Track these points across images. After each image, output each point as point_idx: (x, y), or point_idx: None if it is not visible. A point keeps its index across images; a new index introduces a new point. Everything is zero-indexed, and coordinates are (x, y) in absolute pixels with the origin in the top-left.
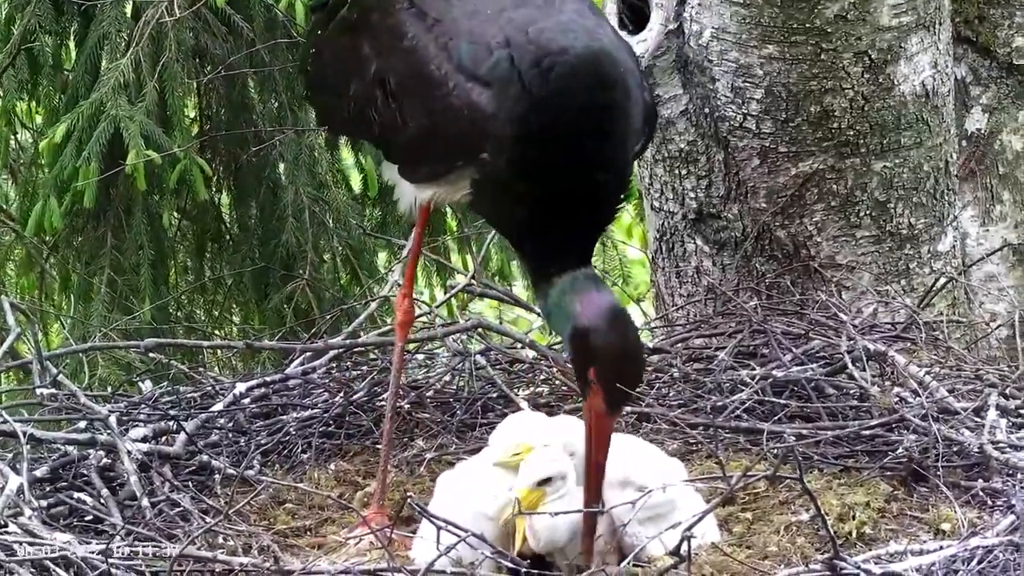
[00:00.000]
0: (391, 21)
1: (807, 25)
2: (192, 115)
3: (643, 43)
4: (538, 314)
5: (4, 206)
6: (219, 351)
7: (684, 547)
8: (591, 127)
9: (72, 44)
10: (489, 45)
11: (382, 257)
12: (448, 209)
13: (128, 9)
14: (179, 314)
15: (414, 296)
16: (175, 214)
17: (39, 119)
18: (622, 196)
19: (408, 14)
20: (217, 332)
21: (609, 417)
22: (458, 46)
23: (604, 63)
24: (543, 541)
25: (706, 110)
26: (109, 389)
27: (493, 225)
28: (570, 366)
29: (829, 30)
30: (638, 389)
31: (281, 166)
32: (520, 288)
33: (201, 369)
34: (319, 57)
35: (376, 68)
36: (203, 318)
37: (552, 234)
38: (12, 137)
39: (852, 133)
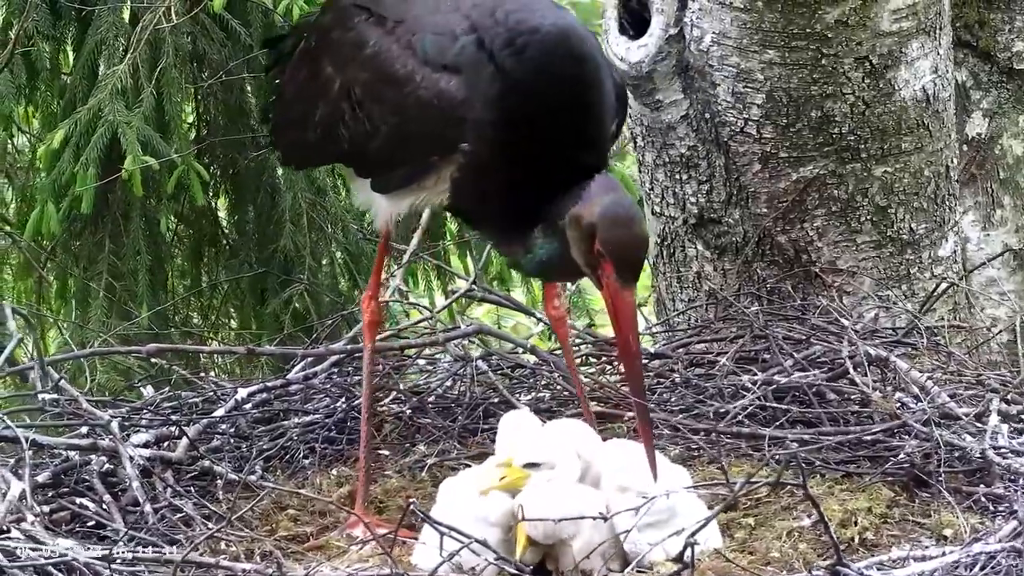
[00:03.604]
0: (351, 35)
1: (807, 30)
2: (190, 120)
3: (644, 48)
4: (538, 318)
5: (1, 211)
6: (219, 357)
7: (687, 554)
8: (569, 103)
9: (70, 49)
10: (453, 33)
11: None
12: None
13: (126, 15)
14: (176, 319)
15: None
16: (172, 219)
17: (36, 123)
18: (601, 166)
19: (367, 24)
20: (213, 337)
21: (625, 290)
22: (422, 40)
23: (574, 39)
24: (542, 529)
25: (707, 115)
26: (109, 394)
27: (471, 220)
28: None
29: (829, 35)
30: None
31: (279, 171)
32: (520, 293)
33: (203, 374)
34: (281, 99)
35: (340, 83)
36: (200, 323)
37: (535, 212)
38: (9, 141)
39: (853, 138)
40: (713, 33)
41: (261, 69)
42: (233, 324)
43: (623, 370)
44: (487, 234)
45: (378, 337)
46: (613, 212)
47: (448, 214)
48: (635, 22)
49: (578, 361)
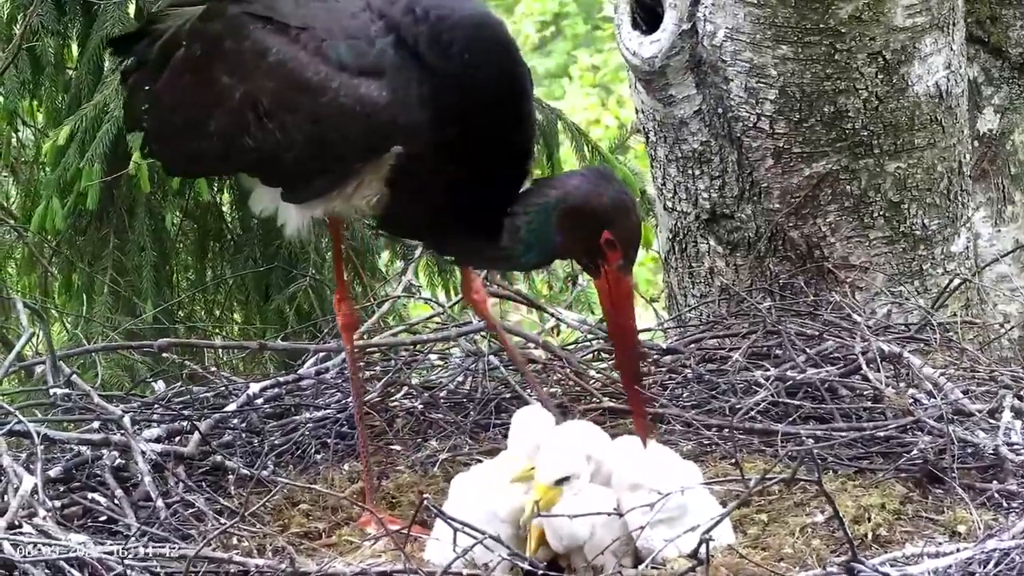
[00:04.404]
0: (248, 44)
1: (821, 25)
2: None
3: (657, 43)
4: (550, 314)
5: (5, 204)
6: (224, 351)
7: (702, 550)
8: (501, 91)
9: (75, 44)
10: (368, 35)
11: (384, 257)
12: None
13: (131, 9)
14: (180, 314)
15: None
16: (177, 214)
17: (41, 118)
18: (534, 149)
19: (265, 32)
20: (218, 333)
21: (628, 276)
22: (334, 46)
23: (495, 26)
24: (565, 541)
25: (720, 110)
26: (123, 389)
27: (414, 227)
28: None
29: (843, 30)
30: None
31: None
32: (523, 288)
33: (214, 369)
34: (158, 105)
35: (243, 93)
36: (204, 318)
37: (488, 200)
38: (14, 136)
39: (866, 134)
40: (726, 28)
41: None
42: (237, 319)
43: (620, 355)
44: (433, 238)
45: (388, 332)
46: (622, 202)
47: None
48: (648, 17)
49: (589, 356)
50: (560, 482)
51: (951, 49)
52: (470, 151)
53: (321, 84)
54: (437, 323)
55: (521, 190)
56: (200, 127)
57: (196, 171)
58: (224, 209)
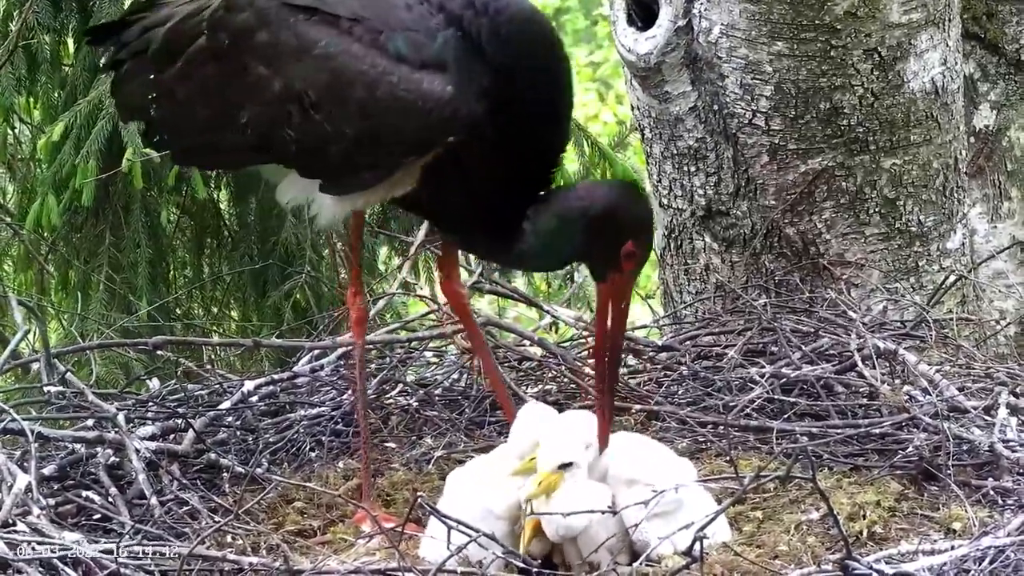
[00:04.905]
0: (287, 35)
1: (816, 22)
2: None
3: (652, 40)
4: (546, 310)
5: (1, 201)
6: (220, 349)
7: (696, 547)
8: (550, 84)
9: (70, 40)
10: (429, 28)
11: (382, 254)
12: None
13: (127, 5)
14: (177, 311)
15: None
16: (174, 211)
17: (37, 114)
18: (565, 148)
19: (309, 24)
20: (215, 329)
21: (632, 285)
22: (391, 39)
23: (542, 19)
24: (561, 530)
25: (715, 107)
26: (118, 387)
27: (439, 215)
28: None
29: (839, 27)
30: None
31: None
32: (521, 285)
33: (209, 367)
34: (170, 95)
35: (283, 85)
36: (201, 315)
37: (515, 195)
38: (9, 132)
39: (861, 130)
40: (722, 24)
41: None
42: (234, 316)
43: (607, 357)
44: (445, 221)
45: (384, 329)
46: (649, 217)
47: None
48: (643, 13)
49: (585, 353)
50: (562, 467)
51: (947, 45)
52: (509, 144)
53: (377, 77)
54: (433, 320)
55: (543, 192)
56: (227, 119)
57: (211, 162)
58: (221, 206)
